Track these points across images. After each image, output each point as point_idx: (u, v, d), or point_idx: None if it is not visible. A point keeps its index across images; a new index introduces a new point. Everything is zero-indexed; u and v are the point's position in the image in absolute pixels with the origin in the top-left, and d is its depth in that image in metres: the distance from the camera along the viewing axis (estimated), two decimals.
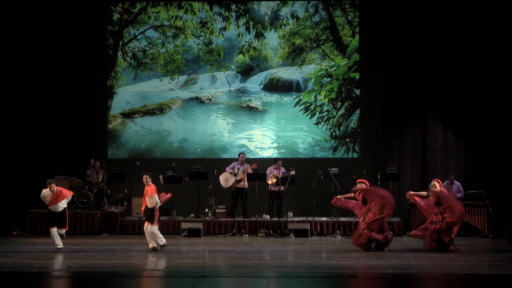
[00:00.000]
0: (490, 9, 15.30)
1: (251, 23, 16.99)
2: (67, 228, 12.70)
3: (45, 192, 12.34)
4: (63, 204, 12.48)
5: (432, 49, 15.79)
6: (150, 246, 12.19)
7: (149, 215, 12.28)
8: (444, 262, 11.06)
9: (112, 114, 17.19)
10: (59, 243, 12.26)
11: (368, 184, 12.69)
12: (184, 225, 14.49)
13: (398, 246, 12.95)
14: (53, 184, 12.30)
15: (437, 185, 12.42)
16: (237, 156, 15.80)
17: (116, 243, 13.58)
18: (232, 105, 17.21)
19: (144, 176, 12.32)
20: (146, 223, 12.27)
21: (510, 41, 15.10)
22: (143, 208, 12.40)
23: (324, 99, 16.83)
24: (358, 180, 12.80)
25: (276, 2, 16.95)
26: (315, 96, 16.87)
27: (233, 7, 17.02)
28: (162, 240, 12.30)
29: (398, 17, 16.08)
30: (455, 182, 14.77)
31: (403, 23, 16.00)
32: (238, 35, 17.07)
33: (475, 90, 15.54)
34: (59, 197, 12.35)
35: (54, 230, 12.28)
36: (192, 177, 15.15)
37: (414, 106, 16.04)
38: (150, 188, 12.24)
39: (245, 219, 14.93)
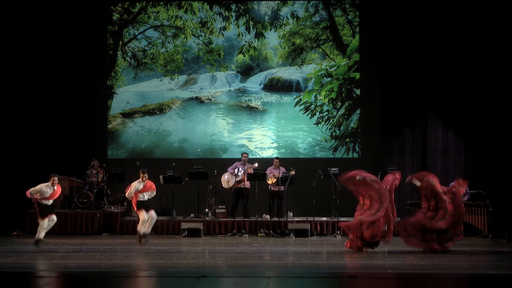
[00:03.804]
0: (490, 9, 15.30)
1: (251, 23, 16.99)
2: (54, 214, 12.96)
3: (45, 186, 12.38)
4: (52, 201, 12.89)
5: (432, 49, 15.80)
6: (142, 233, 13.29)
7: (150, 203, 13.59)
8: (444, 262, 11.05)
9: (112, 114, 17.19)
10: (42, 236, 12.58)
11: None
12: (184, 225, 14.49)
13: (398, 246, 12.94)
14: (56, 178, 12.46)
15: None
16: (237, 156, 15.83)
17: (116, 243, 13.58)
18: (232, 105, 17.21)
19: (143, 174, 13.30)
20: (150, 211, 13.39)
21: (510, 41, 15.09)
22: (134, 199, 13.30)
23: (324, 99, 16.83)
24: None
25: (276, 2, 16.95)
26: (315, 96, 16.87)
27: (233, 7, 17.02)
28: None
29: (398, 17, 16.09)
30: None
31: (403, 23, 16.00)
32: (238, 35, 17.07)
33: (475, 89, 15.54)
34: (56, 195, 12.67)
35: (46, 221, 12.55)
36: (192, 177, 15.14)
37: (414, 106, 16.05)
38: (151, 183, 13.32)
39: (245, 219, 14.93)
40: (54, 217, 12.73)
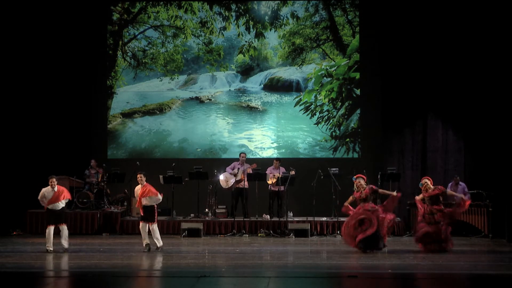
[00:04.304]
0: (490, 9, 15.29)
1: (251, 22, 16.99)
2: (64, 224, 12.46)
3: (46, 190, 12.26)
4: (63, 203, 12.40)
5: (432, 48, 15.79)
6: (145, 242, 12.24)
7: (152, 214, 12.33)
8: (444, 262, 11.06)
9: (112, 114, 17.19)
10: (51, 245, 12.14)
11: (365, 179, 12.60)
12: (184, 225, 14.49)
13: (398, 246, 12.95)
14: (54, 179, 12.26)
15: (429, 182, 12.39)
16: (237, 156, 15.83)
17: (116, 243, 13.59)
18: (232, 105, 17.21)
19: (139, 175, 12.33)
20: (150, 224, 12.24)
21: (510, 41, 15.09)
22: (138, 206, 12.36)
23: (324, 99, 16.83)
24: (357, 176, 12.67)
25: (276, 1, 16.95)
26: (315, 96, 16.86)
27: (233, 6, 17.01)
28: (160, 241, 12.35)
29: (398, 17, 16.08)
30: (460, 183, 14.74)
31: (403, 23, 15.99)
32: (238, 35, 17.07)
33: (475, 89, 15.53)
34: (60, 195, 12.28)
35: (52, 228, 12.21)
36: (192, 177, 15.15)
37: (414, 106, 16.04)
38: (149, 188, 12.25)
39: (245, 219, 14.93)
40: (63, 228, 12.23)
